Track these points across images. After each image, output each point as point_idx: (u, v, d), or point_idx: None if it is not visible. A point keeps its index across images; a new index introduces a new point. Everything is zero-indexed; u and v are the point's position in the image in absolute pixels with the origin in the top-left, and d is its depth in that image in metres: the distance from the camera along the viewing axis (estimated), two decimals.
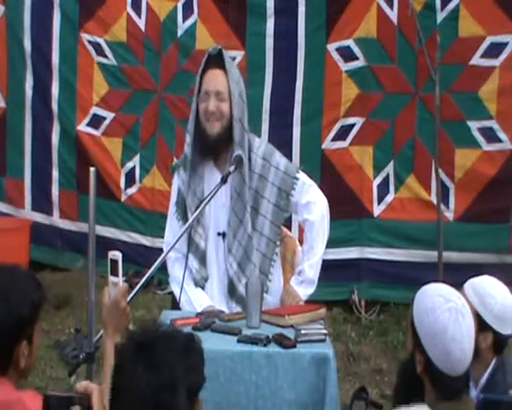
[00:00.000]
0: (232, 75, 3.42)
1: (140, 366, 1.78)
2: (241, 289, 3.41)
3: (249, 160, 3.43)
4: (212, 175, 3.49)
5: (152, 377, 1.77)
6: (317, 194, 3.55)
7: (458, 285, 2.62)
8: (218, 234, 3.49)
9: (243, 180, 3.42)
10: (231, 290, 3.47)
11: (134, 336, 1.86)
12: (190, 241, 3.47)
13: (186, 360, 1.81)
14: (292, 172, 3.50)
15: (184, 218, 3.51)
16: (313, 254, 3.50)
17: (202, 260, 3.50)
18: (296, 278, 3.52)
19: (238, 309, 3.42)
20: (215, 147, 3.45)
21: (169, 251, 3.15)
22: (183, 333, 1.89)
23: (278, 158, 3.52)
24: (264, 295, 3.38)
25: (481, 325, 2.58)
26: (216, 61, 3.43)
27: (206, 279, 3.51)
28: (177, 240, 3.16)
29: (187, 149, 3.52)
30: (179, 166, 3.59)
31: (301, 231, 4.17)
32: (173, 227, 3.59)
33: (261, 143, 3.53)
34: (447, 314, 2.19)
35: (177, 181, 3.60)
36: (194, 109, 3.47)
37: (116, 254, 2.42)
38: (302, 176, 3.53)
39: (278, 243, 3.55)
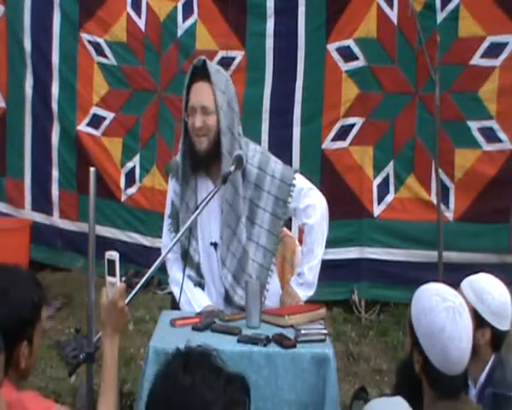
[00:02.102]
0: (218, 85, 3.34)
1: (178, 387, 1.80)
2: (237, 299, 3.41)
3: (243, 170, 3.38)
4: (207, 187, 3.44)
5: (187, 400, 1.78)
6: (315, 196, 3.52)
7: (458, 285, 2.63)
8: (211, 244, 3.48)
9: (236, 191, 3.39)
10: (227, 302, 3.46)
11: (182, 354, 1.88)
12: (186, 254, 3.47)
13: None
14: (288, 178, 3.46)
15: (178, 230, 3.47)
16: (313, 256, 3.49)
17: (198, 272, 3.50)
18: (296, 279, 3.51)
19: None
20: (205, 162, 3.41)
21: (168, 252, 3.14)
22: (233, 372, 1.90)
23: (273, 165, 3.47)
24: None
25: (479, 322, 2.59)
26: (201, 72, 3.36)
27: (203, 289, 3.52)
28: (175, 242, 3.16)
29: (179, 158, 3.49)
30: (173, 171, 3.56)
31: (301, 231, 4.17)
32: (169, 236, 3.59)
33: (256, 152, 3.46)
34: (444, 314, 2.19)
35: (171, 191, 3.59)
36: (184, 123, 3.43)
37: (113, 255, 2.41)
38: (299, 181, 3.49)
39: (276, 252, 3.51)
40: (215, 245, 3.47)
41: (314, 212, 3.49)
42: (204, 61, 3.36)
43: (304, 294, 3.48)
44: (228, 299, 3.45)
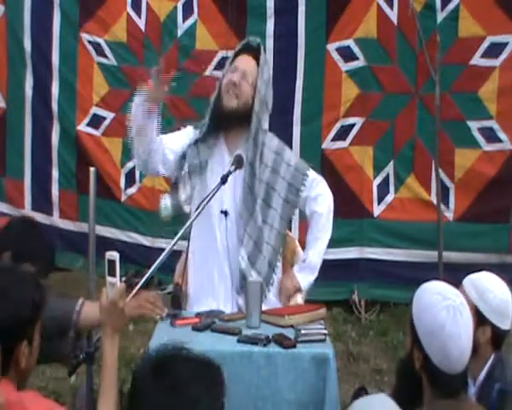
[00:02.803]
0: (263, 73, 3.50)
1: (160, 391, 1.80)
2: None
3: (261, 153, 3.49)
4: (222, 159, 3.52)
5: (172, 401, 1.79)
6: (325, 188, 3.62)
7: (459, 284, 2.63)
8: (221, 212, 3.50)
9: (254, 174, 3.46)
10: (242, 282, 3.45)
11: (151, 359, 1.88)
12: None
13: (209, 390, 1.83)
14: (302, 169, 3.58)
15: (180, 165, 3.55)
16: (318, 243, 3.56)
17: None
18: (299, 265, 3.58)
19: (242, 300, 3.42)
20: (228, 121, 3.48)
21: (168, 251, 3.14)
22: (201, 356, 1.91)
23: (289, 154, 3.61)
24: (270, 287, 3.47)
25: (480, 320, 2.60)
26: (253, 51, 3.52)
27: None
28: (177, 240, 3.16)
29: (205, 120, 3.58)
30: (197, 126, 3.64)
31: (301, 231, 4.17)
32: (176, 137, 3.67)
33: (273, 138, 3.60)
34: (445, 312, 2.19)
35: (188, 133, 3.64)
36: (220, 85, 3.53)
37: (113, 255, 2.42)
38: (312, 173, 3.60)
39: (285, 238, 3.60)
40: (225, 213, 3.49)
41: (323, 201, 3.58)
42: (259, 45, 3.53)
43: (305, 278, 3.51)
44: (242, 282, 3.42)
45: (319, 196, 3.57)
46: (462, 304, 2.23)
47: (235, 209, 3.49)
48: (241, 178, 3.48)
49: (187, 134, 3.65)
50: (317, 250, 3.55)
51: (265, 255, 3.48)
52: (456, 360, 2.19)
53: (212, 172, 3.49)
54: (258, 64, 3.50)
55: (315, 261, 3.54)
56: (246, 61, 3.52)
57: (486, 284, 2.68)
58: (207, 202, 3.21)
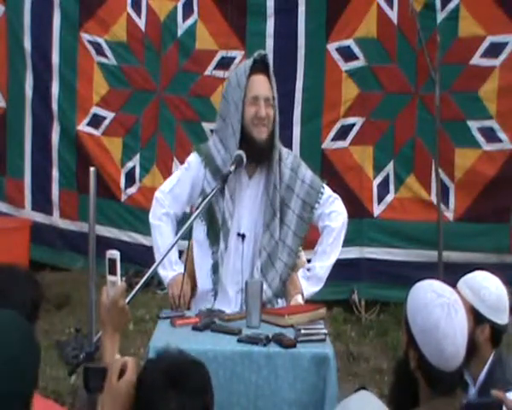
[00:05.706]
0: (273, 81, 3.44)
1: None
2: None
3: (279, 167, 3.46)
4: (259, 178, 3.49)
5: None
6: (341, 206, 3.61)
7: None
8: (238, 235, 3.49)
9: (275, 187, 3.44)
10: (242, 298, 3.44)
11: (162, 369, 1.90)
12: (217, 237, 3.47)
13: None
14: (317, 185, 3.56)
15: (209, 214, 3.46)
16: (326, 257, 3.53)
17: (222, 258, 3.47)
18: (304, 271, 3.54)
19: None
20: (263, 152, 3.43)
21: (168, 251, 3.14)
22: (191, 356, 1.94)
23: (304, 170, 3.56)
24: (279, 300, 3.47)
25: (478, 318, 2.62)
26: (260, 66, 3.44)
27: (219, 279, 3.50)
28: (173, 245, 3.15)
29: (213, 147, 3.49)
30: (203, 156, 3.50)
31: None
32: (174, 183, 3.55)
33: (288, 154, 3.57)
34: (439, 309, 2.19)
35: (200, 176, 3.49)
36: (240, 114, 3.39)
37: (114, 254, 2.41)
38: (327, 190, 3.58)
39: (297, 253, 3.56)
40: (242, 236, 3.48)
41: (337, 218, 3.56)
42: (265, 55, 3.45)
43: (309, 288, 3.49)
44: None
45: (333, 212, 3.57)
46: (457, 301, 2.23)
47: (251, 232, 3.48)
48: (258, 199, 3.48)
49: (192, 177, 3.51)
50: (325, 264, 3.52)
51: (278, 270, 3.47)
52: (452, 358, 2.19)
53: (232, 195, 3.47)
54: (268, 76, 3.43)
55: (322, 273, 3.52)
56: (261, 84, 3.42)
57: (480, 282, 2.70)
58: (207, 202, 3.20)
